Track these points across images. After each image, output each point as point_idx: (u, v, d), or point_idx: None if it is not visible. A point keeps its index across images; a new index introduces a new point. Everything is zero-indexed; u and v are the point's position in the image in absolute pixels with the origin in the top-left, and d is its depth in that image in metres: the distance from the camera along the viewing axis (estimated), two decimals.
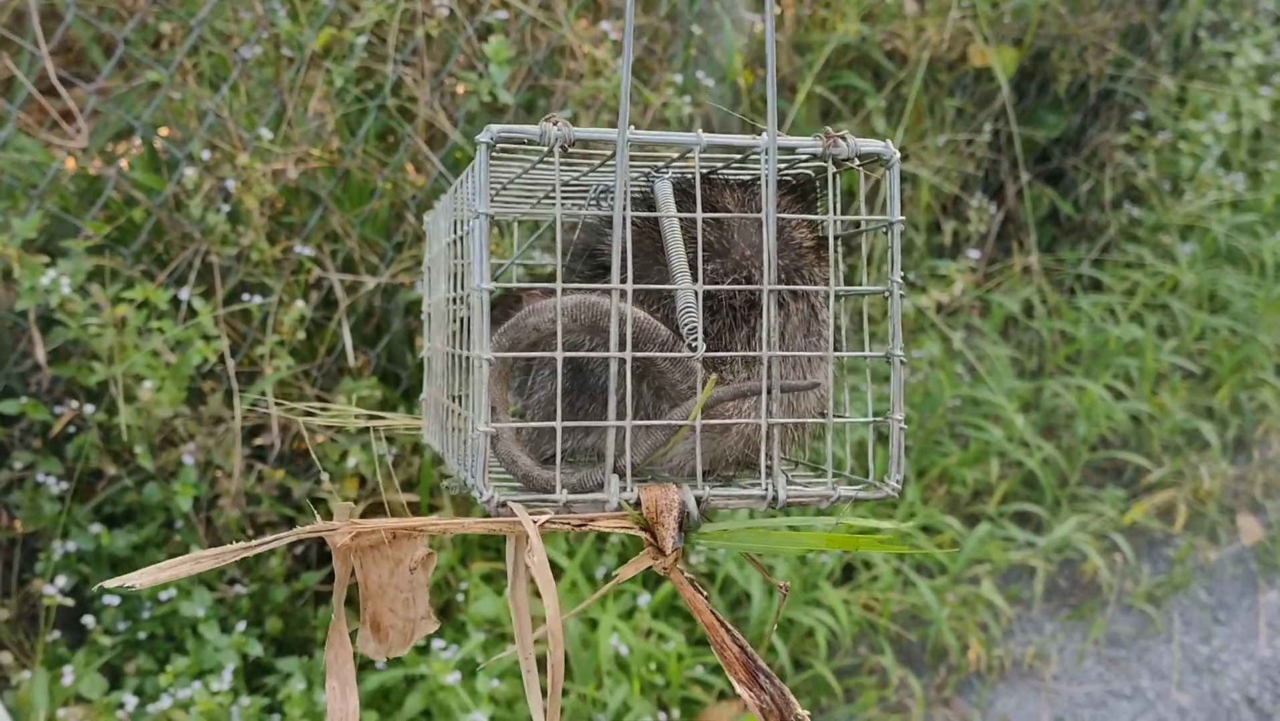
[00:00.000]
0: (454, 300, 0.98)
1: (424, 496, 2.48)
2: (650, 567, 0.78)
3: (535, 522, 0.74)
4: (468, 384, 0.83)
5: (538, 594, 0.82)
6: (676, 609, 2.57)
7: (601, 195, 0.98)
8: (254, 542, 0.73)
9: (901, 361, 0.84)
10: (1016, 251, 3.37)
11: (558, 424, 0.78)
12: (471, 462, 0.77)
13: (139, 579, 0.71)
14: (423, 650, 2.27)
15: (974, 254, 3.05)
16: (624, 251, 0.76)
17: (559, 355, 0.77)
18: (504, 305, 1.06)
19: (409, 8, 2.32)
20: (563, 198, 0.99)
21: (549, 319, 0.79)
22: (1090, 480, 3.31)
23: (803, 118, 3.01)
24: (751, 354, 0.84)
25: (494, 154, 0.77)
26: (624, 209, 0.76)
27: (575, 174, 0.92)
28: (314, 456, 2.47)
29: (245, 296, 2.37)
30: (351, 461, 2.38)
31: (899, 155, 0.83)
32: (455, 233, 0.98)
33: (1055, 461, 3.12)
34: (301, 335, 2.39)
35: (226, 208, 2.30)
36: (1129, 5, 3.72)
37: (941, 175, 3.26)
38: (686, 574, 0.78)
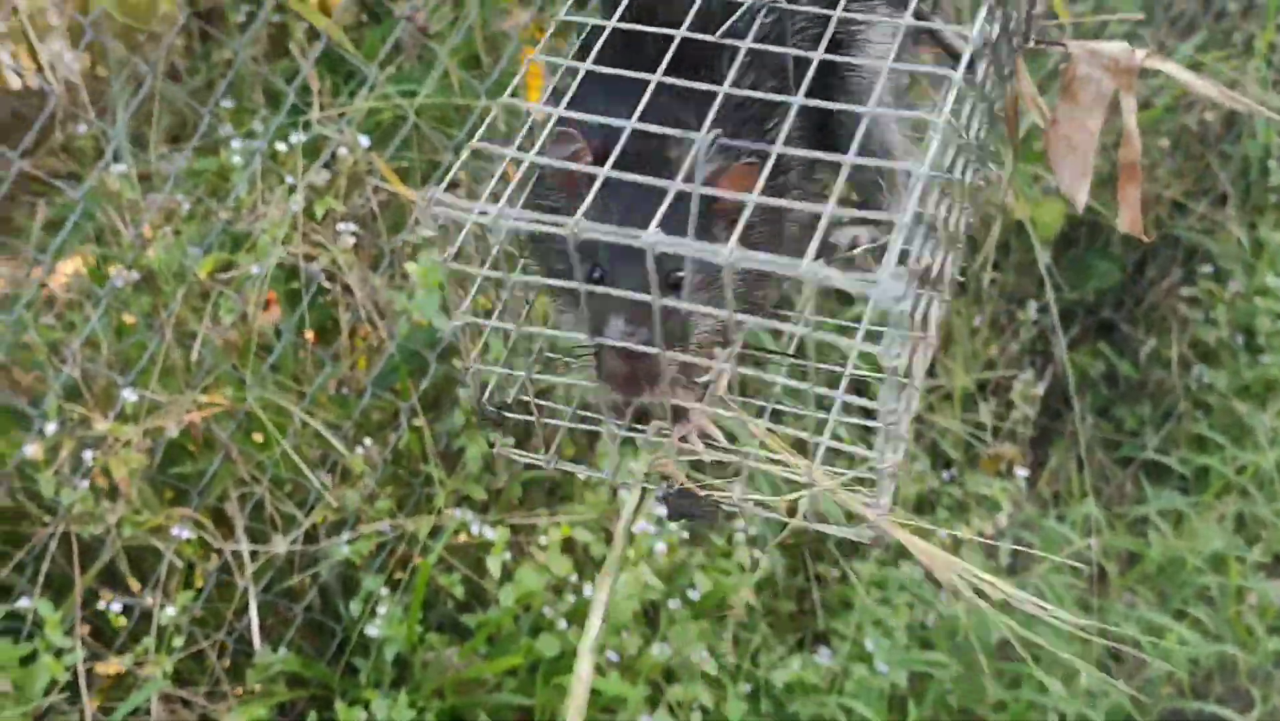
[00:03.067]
0: None
1: None
2: None
3: None
4: None
5: None
6: None
7: None
8: None
9: None
10: (1064, 446, 2.87)
11: None
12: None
13: None
14: None
15: (1021, 473, 2.56)
16: None
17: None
18: None
19: (309, 245, 1.86)
20: None
21: None
22: None
23: None
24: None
25: None
26: None
27: None
28: None
29: (111, 586, 1.91)
30: None
31: None
32: None
33: (1122, 707, 2.60)
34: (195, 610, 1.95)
35: (84, 483, 1.84)
36: (1191, 143, 3.22)
37: (977, 360, 2.77)
38: None
